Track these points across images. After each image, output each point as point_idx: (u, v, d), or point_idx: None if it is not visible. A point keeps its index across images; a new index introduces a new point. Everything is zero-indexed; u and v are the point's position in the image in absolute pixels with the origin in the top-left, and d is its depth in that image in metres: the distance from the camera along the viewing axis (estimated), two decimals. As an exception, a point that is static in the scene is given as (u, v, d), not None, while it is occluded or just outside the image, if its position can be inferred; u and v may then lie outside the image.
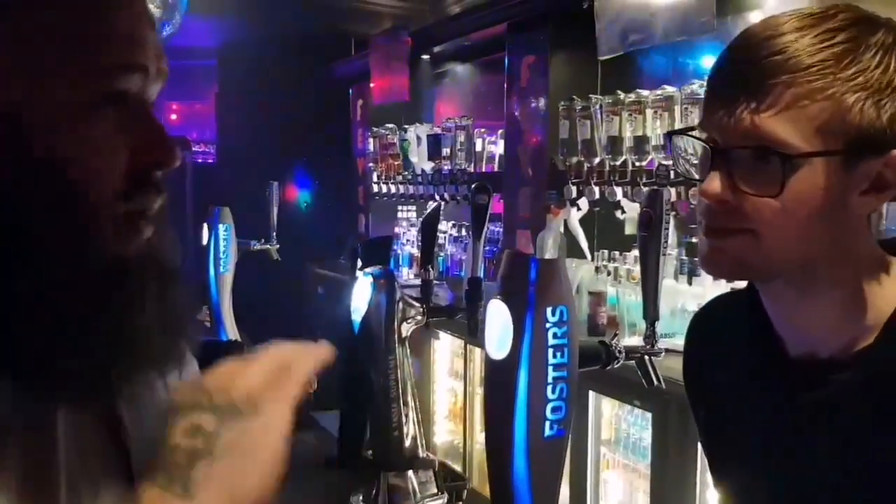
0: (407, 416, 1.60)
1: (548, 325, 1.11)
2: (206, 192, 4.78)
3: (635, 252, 2.99)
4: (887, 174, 0.75)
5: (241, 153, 5.57)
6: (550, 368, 1.11)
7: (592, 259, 3.23)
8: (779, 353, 0.83)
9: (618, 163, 2.89)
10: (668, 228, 1.25)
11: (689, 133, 0.82)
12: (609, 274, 3.06)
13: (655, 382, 1.27)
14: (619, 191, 2.90)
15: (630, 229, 3.33)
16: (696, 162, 0.83)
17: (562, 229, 3.19)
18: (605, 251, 3.12)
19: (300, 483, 1.99)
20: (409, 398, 1.62)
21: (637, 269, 2.89)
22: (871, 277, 0.78)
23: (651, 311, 1.28)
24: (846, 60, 0.72)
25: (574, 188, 3.09)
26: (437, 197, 3.73)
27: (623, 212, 3.13)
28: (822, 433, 0.79)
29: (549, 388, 1.11)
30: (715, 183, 0.76)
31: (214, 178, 5.43)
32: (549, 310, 1.11)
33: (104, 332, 0.60)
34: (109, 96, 0.61)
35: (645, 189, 2.54)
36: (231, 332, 2.89)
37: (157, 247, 0.65)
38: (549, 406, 1.11)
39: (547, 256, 3.11)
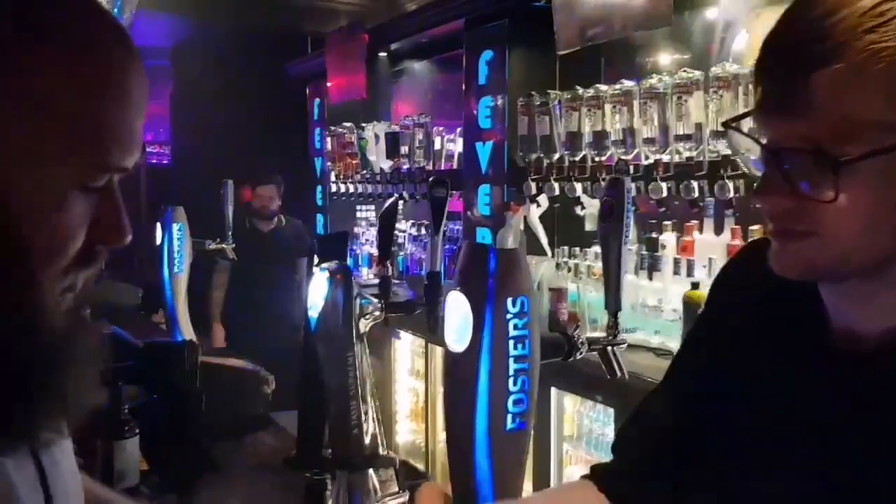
0: (366, 413, 1.56)
1: (508, 317, 1.08)
2: (161, 192, 4.67)
3: (596, 248, 3.00)
4: None
5: (195, 153, 5.47)
6: (511, 360, 1.08)
7: (552, 255, 3.22)
8: (825, 335, 0.78)
9: (577, 158, 2.89)
10: (630, 216, 1.23)
11: (741, 130, 0.76)
12: (569, 270, 3.06)
13: (619, 373, 1.25)
14: (578, 186, 2.89)
15: (590, 225, 3.34)
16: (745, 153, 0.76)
17: (521, 226, 3.18)
18: (566, 248, 3.12)
19: (259, 483, 1.93)
20: (369, 396, 1.58)
21: (598, 266, 2.90)
22: None
23: (613, 302, 1.26)
24: None
25: (533, 184, 3.09)
26: (395, 195, 3.70)
27: (583, 207, 3.13)
28: (859, 424, 0.74)
29: (511, 380, 1.09)
30: (768, 185, 0.71)
31: (169, 179, 5.33)
32: (509, 301, 1.09)
33: (28, 389, 0.61)
34: (85, 188, 0.62)
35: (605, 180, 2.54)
36: (186, 332, 2.82)
37: (78, 309, 0.68)
38: (511, 398, 1.09)
39: (507, 253, 3.10)
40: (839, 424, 0.75)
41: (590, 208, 3.10)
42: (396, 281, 3.68)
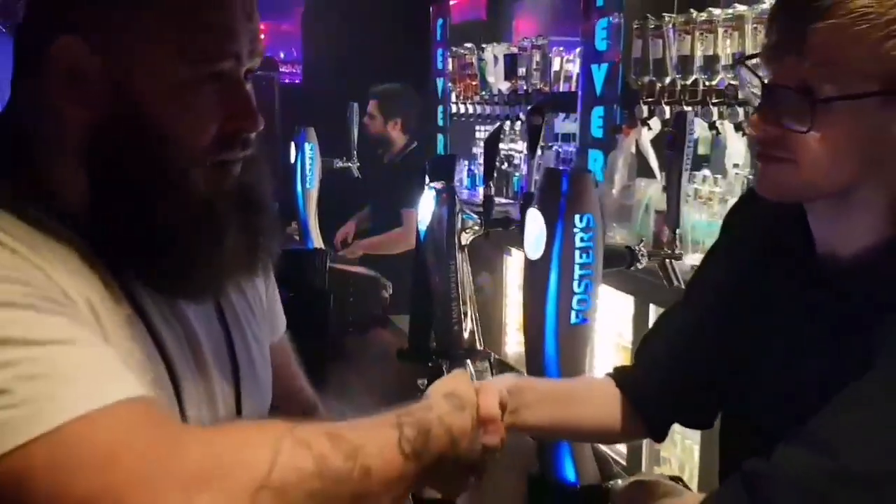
0: (465, 314, 1.87)
1: (575, 231, 1.33)
2: (293, 111, 5.07)
3: (705, 171, 3.14)
4: None
5: (325, 73, 5.83)
6: (577, 267, 1.34)
7: (661, 178, 3.37)
8: (812, 257, 0.97)
9: (688, 82, 3.00)
10: (690, 147, 1.44)
11: (749, 66, 0.94)
12: (677, 193, 3.21)
13: (675, 283, 1.49)
14: (689, 110, 3.01)
15: (703, 149, 3.45)
16: (749, 89, 0.97)
17: (633, 149, 3.33)
18: (675, 170, 3.26)
19: (377, 371, 2.31)
20: (468, 299, 1.89)
21: (705, 189, 3.05)
22: None
23: (672, 220, 1.49)
24: (889, 5, 0.81)
25: (645, 108, 3.22)
26: (512, 117, 3.90)
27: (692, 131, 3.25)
28: (835, 332, 0.92)
29: (576, 283, 1.35)
30: (759, 115, 0.89)
31: (301, 98, 5.71)
32: (577, 217, 1.34)
33: (200, 243, 0.82)
34: (207, 76, 0.81)
35: (688, 109, 2.66)
36: (317, 242, 3.22)
37: (247, 184, 0.89)
38: (576, 298, 1.35)
39: (617, 176, 3.30)
40: (820, 333, 0.95)
41: (700, 131, 3.21)
42: (510, 200, 3.93)
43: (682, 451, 2.81)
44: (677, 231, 1.48)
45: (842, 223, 0.94)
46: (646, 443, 2.85)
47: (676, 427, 2.90)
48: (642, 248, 1.46)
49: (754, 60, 0.95)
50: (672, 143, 1.44)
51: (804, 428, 0.87)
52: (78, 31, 0.77)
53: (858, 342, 0.88)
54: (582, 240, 1.33)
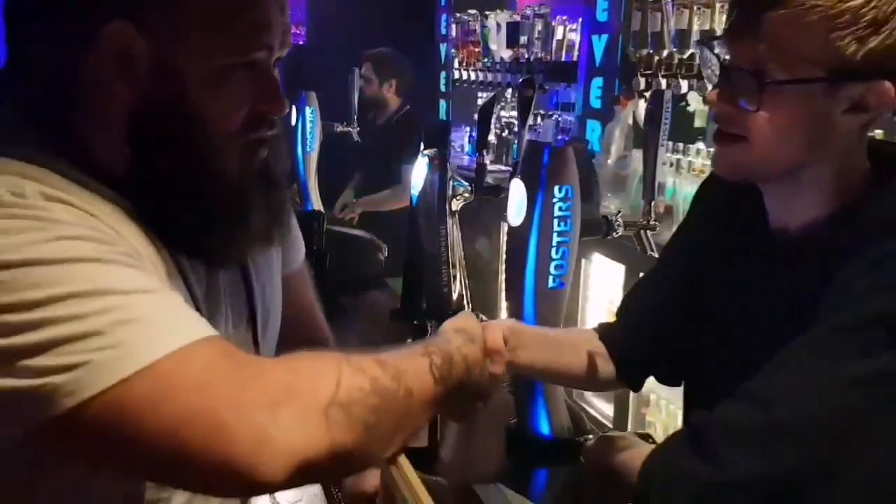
0: (455, 276, 1.98)
1: (554, 201, 1.43)
2: (297, 73, 5.11)
3: (699, 144, 3.22)
4: (869, 98, 0.93)
5: (329, 36, 5.85)
6: (555, 235, 1.44)
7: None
8: (766, 231, 1.07)
9: (685, 56, 3.08)
10: (667, 123, 1.53)
11: (711, 49, 1.04)
12: (671, 165, 3.29)
13: (649, 252, 1.59)
14: (684, 84, 3.10)
15: (700, 122, 3.53)
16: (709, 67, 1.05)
17: (630, 120, 3.41)
18: (669, 143, 3.34)
19: (371, 329, 2.42)
20: (457, 263, 1.99)
21: (698, 162, 3.14)
22: (847, 185, 0.99)
23: (649, 192, 1.59)
24: None
25: (643, 80, 3.30)
26: (514, 85, 3.98)
27: (687, 104, 3.33)
28: (775, 300, 1.03)
29: (554, 249, 1.45)
30: (719, 94, 0.98)
31: (304, 60, 5.74)
32: (556, 188, 1.43)
33: (231, 217, 0.90)
34: (242, 64, 0.89)
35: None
36: (316, 204, 3.31)
37: (270, 162, 0.99)
38: (553, 264, 1.46)
39: (613, 147, 3.38)
40: (773, 302, 1.06)
41: (696, 104, 3.29)
42: (510, 168, 4.01)
43: (666, 416, 2.93)
44: (653, 202, 1.59)
45: (792, 199, 1.04)
46: (632, 407, 2.98)
47: (661, 393, 3.02)
48: (618, 219, 1.56)
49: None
50: (650, 118, 1.53)
51: (744, 385, 0.98)
52: (131, 17, 0.86)
53: (806, 311, 0.98)
54: (561, 209, 1.43)
